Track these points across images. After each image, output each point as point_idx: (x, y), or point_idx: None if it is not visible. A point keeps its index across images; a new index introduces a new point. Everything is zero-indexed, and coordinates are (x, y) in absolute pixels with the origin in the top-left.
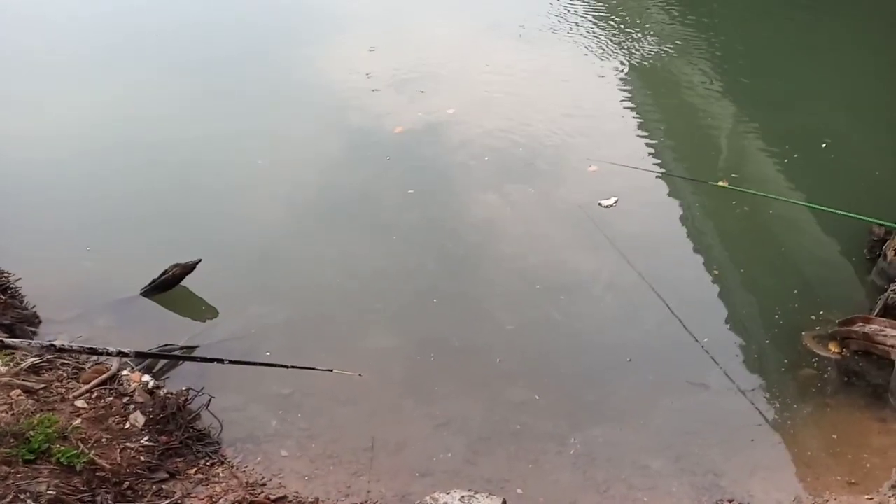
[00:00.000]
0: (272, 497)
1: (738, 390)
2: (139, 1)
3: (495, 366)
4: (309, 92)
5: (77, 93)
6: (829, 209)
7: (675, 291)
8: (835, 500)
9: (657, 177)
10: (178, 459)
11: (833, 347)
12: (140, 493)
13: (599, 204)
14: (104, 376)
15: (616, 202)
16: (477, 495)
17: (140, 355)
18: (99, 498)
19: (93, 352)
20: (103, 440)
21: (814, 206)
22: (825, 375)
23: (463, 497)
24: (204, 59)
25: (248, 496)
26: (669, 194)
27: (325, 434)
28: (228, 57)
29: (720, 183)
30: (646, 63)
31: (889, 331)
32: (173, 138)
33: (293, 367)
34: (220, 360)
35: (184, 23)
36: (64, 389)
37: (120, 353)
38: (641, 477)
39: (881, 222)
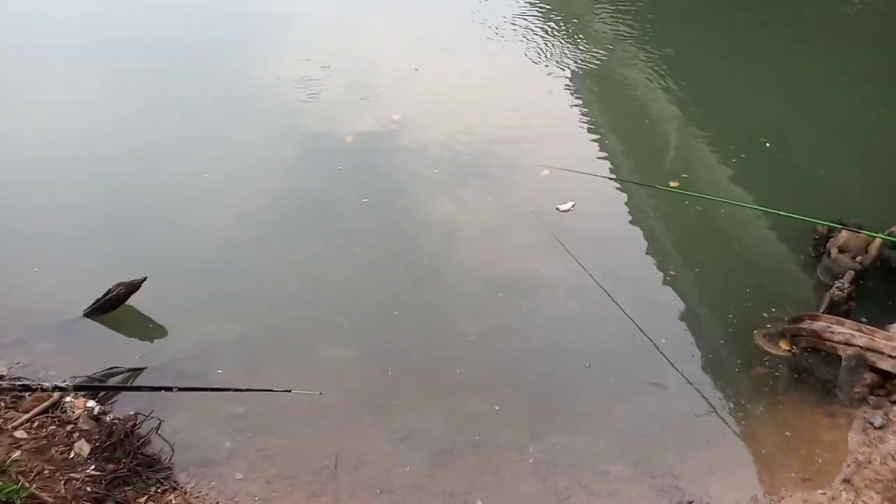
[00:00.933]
0: None
1: (693, 391)
2: (84, 9)
3: (456, 377)
4: (257, 101)
5: (17, 103)
6: (772, 210)
7: (634, 294)
8: (790, 496)
9: (610, 180)
10: (128, 488)
11: (783, 345)
12: None
13: (557, 208)
14: (45, 404)
15: (573, 206)
16: None
17: (80, 388)
18: None
19: (25, 388)
20: (46, 472)
21: (756, 207)
22: (777, 373)
23: None
24: (148, 68)
25: None
26: (623, 196)
27: (282, 454)
28: (173, 66)
29: (671, 184)
30: (593, 69)
31: (835, 327)
32: (118, 149)
33: (248, 389)
34: (169, 388)
35: (127, 33)
36: (1, 420)
37: (56, 388)
38: (602, 483)
39: (820, 221)
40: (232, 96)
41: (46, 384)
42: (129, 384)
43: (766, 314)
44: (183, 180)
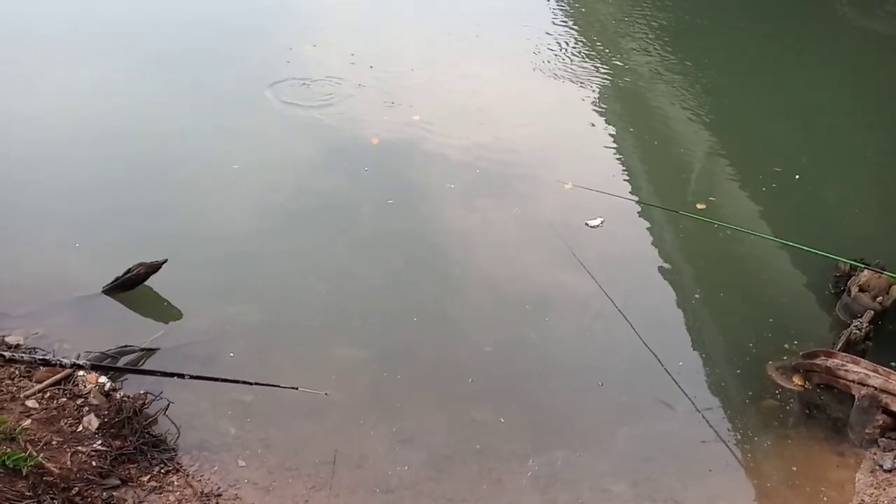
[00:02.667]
0: None
1: (701, 419)
2: None
3: (466, 386)
4: (287, 95)
5: (55, 82)
6: (795, 244)
7: (653, 316)
8: None
9: (635, 201)
10: (132, 466)
11: (797, 380)
12: (89, 499)
13: (586, 224)
14: (59, 376)
15: (602, 223)
16: None
17: (96, 367)
18: None
19: (44, 363)
20: (54, 443)
21: (779, 240)
22: (787, 407)
23: None
24: (181, 55)
25: None
26: (646, 217)
27: (285, 445)
28: (206, 53)
29: (698, 206)
30: (620, 89)
31: (850, 366)
32: (147, 132)
33: (256, 383)
34: (181, 375)
35: (168, 17)
36: (15, 388)
37: (74, 365)
38: (601, 501)
39: (843, 259)
40: (262, 89)
41: (65, 360)
42: (141, 364)
43: (783, 347)
44: (211, 169)
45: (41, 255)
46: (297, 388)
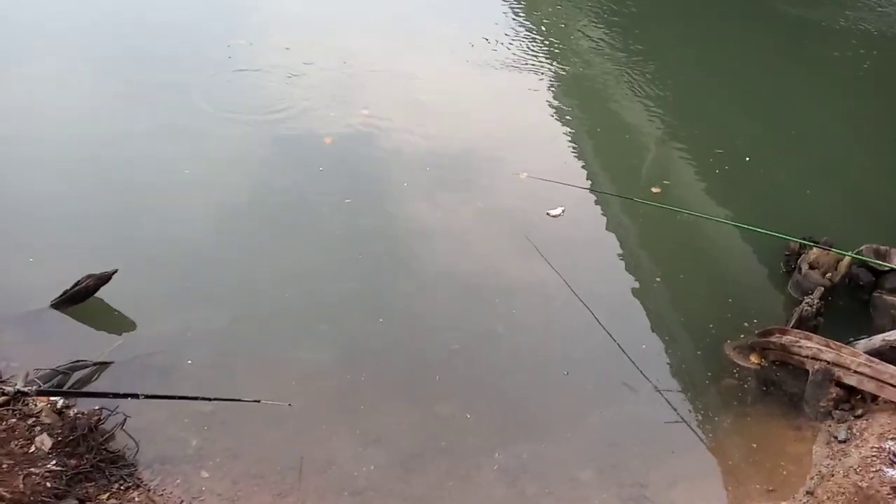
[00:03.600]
0: None
1: (664, 402)
2: None
3: (433, 384)
4: (238, 95)
5: None
6: (745, 226)
7: (617, 302)
8: None
9: (590, 190)
10: (90, 484)
11: (754, 358)
12: None
13: (547, 213)
14: (6, 397)
15: (563, 212)
16: None
17: (42, 393)
18: None
19: None
20: (4, 466)
21: (730, 222)
22: (745, 385)
23: None
24: (124, 56)
25: None
26: (607, 204)
27: (249, 454)
28: (148, 54)
29: (652, 190)
30: (575, 80)
31: (804, 342)
32: (92, 137)
33: (217, 399)
34: (135, 395)
35: (110, 18)
36: None
37: (18, 393)
38: (569, 489)
39: (792, 238)
40: (211, 90)
41: (7, 388)
42: (95, 378)
43: (741, 326)
44: (161, 173)
45: None
46: (259, 402)
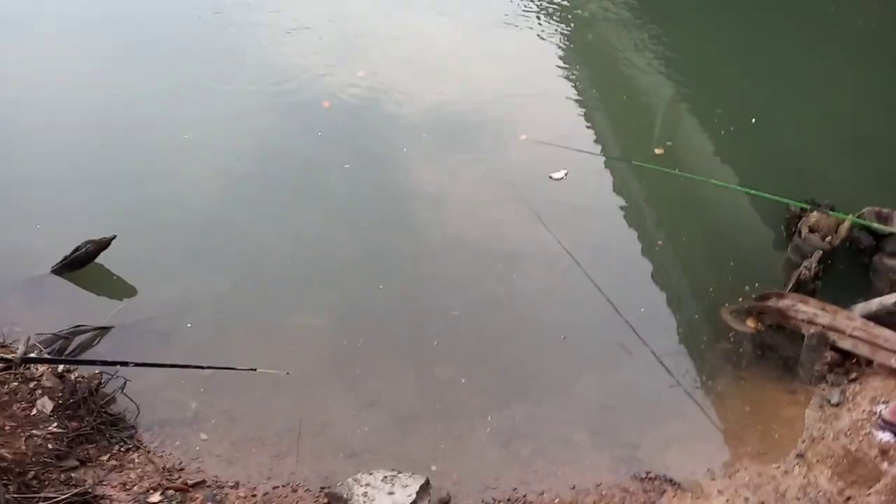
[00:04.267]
0: (190, 482)
1: (659, 366)
2: None
3: (431, 349)
4: (240, 58)
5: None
6: (746, 189)
7: (619, 265)
8: (744, 469)
9: (601, 156)
10: (90, 446)
11: (750, 322)
12: (47, 482)
13: (550, 177)
14: (6, 363)
15: (566, 174)
16: (400, 475)
17: (28, 361)
18: None
19: None
20: (6, 428)
21: (730, 186)
22: (741, 349)
23: (386, 477)
24: (128, 14)
25: (164, 482)
26: (611, 166)
27: (247, 417)
28: (157, 13)
29: (656, 151)
30: (584, 42)
31: (800, 306)
32: (95, 101)
33: (210, 367)
34: (125, 363)
35: None
36: None
37: (3, 360)
38: (562, 451)
39: (792, 202)
40: (215, 50)
41: (11, 355)
42: (96, 343)
43: (741, 290)
44: (161, 137)
45: None
46: (255, 370)
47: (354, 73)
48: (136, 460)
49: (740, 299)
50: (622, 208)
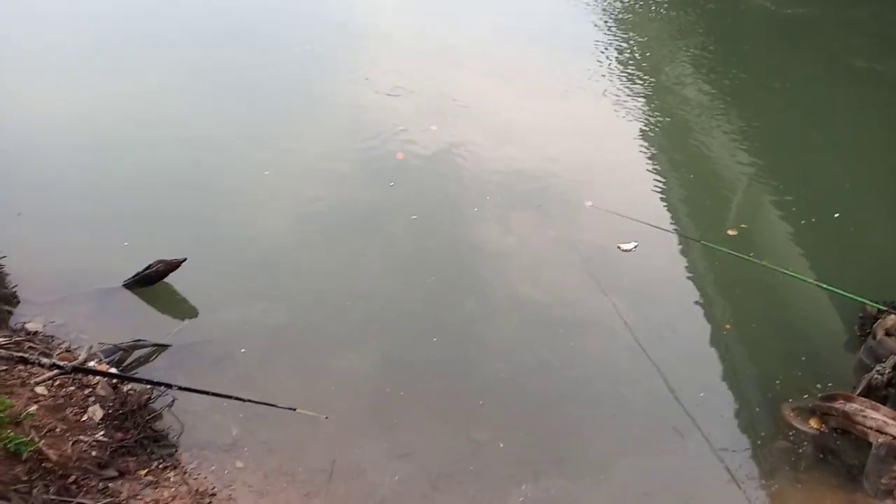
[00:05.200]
0: None
1: (711, 456)
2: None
3: (475, 408)
4: (320, 106)
5: (94, 85)
6: (821, 284)
7: (683, 345)
8: None
9: (669, 232)
10: (131, 458)
11: (813, 423)
12: (85, 488)
13: (619, 247)
14: (61, 370)
15: (636, 247)
16: None
17: (78, 371)
18: (35, 490)
19: (23, 361)
20: (57, 430)
21: (805, 279)
22: (801, 450)
23: None
24: (219, 64)
25: None
26: (682, 242)
27: (283, 450)
28: (243, 63)
29: (729, 232)
30: (665, 113)
31: (869, 412)
32: (184, 136)
33: (251, 401)
34: (169, 385)
35: (201, 28)
36: (27, 373)
37: (54, 366)
38: None
39: (869, 302)
40: (300, 100)
41: (45, 360)
42: (153, 359)
43: (807, 387)
44: (241, 174)
45: (72, 243)
46: (294, 409)
47: (428, 129)
48: (172, 479)
49: (805, 396)
50: (690, 287)
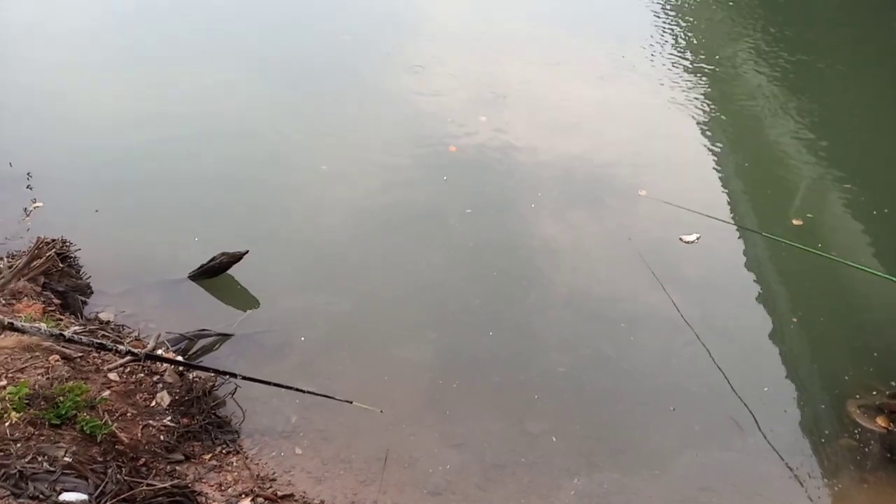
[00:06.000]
0: (280, 494)
1: (771, 451)
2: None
3: (531, 401)
4: (372, 98)
5: (174, 82)
6: (886, 276)
7: (747, 338)
8: None
9: (727, 223)
10: (196, 443)
11: (881, 421)
12: (154, 470)
13: (681, 239)
14: (133, 357)
15: (698, 238)
16: None
17: (150, 358)
18: (110, 471)
19: (101, 347)
20: (128, 415)
21: (868, 269)
22: (867, 449)
23: None
24: (286, 62)
25: (256, 489)
26: (745, 233)
27: (340, 437)
28: (306, 58)
29: (794, 222)
30: (728, 102)
31: None
32: (245, 132)
33: (310, 392)
34: (234, 375)
35: (270, 24)
36: (100, 360)
37: (129, 353)
38: None
39: None
40: (353, 92)
41: (121, 347)
42: (216, 347)
43: (877, 384)
44: (299, 170)
45: (142, 236)
46: (351, 402)
47: (478, 120)
48: (234, 464)
49: (873, 393)
50: (753, 279)
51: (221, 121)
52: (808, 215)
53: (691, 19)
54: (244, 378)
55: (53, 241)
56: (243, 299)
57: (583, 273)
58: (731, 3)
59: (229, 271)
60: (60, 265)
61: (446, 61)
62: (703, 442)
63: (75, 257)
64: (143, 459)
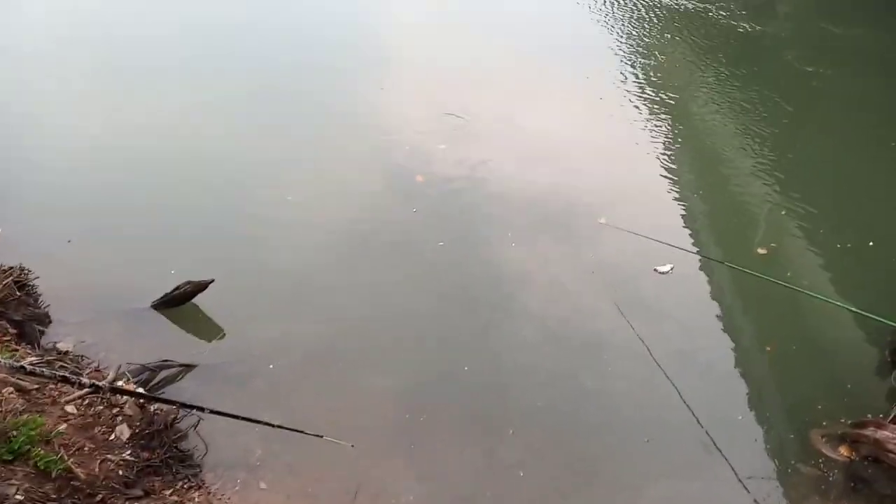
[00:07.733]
0: None
1: (737, 483)
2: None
3: (503, 432)
4: (350, 129)
5: (128, 105)
6: (845, 305)
7: (718, 367)
8: None
9: (694, 253)
10: (157, 478)
11: (843, 450)
12: None
13: (655, 270)
14: (90, 389)
15: (672, 269)
16: None
17: (115, 391)
18: None
19: (64, 380)
20: (86, 449)
21: (835, 302)
22: (831, 478)
23: None
24: (253, 88)
25: None
26: (716, 264)
27: (306, 472)
28: (273, 86)
29: (759, 250)
30: (692, 138)
31: None
32: (210, 160)
33: (281, 427)
34: (201, 409)
35: (236, 47)
36: (57, 392)
37: (92, 385)
38: None
39: None
40: (323, 124)
41: (84, 380)
42: (179, 378)
43: (838, 413)
44: (267, 198)
45: (103, 263)
46: (321, 437)
47: (438, 149)
48: (196, 499)
49: (838, 421)
50: (719, 309)
51: (188, 149)
52: (772, 245)
53: (659, 56)
54: (211, 412)
55: (11, 268)
56: (208, 329)
57: (552, 303)
58: (692, 41)
59: (194, 300)
60: (17, 293)
61: (413, 91)
62: (675, 472)
63: (34, 285)
64: (101, 496)
